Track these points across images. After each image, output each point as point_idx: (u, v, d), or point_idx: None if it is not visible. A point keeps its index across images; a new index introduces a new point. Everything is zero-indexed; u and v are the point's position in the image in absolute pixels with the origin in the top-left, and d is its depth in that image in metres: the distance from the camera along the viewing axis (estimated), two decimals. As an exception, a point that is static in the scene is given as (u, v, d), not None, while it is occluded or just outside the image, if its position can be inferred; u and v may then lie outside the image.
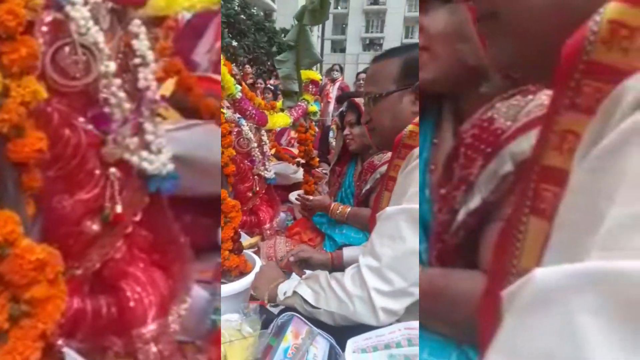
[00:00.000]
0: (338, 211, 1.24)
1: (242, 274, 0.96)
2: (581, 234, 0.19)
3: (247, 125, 1.41)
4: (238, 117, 1.33)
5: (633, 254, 0.16)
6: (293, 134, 2.33)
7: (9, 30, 0.45)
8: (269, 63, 8.49)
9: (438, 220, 0.54)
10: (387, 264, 0.59)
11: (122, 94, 0.55)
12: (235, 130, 1.41)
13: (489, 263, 0.32)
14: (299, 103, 1.67)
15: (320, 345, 0.56)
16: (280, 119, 1.46)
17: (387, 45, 22.86)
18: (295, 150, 2.00)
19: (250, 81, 4.30)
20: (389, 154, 0.83)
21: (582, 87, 0.24)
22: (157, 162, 0.58)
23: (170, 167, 0.59)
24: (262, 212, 1.50)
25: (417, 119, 0.72)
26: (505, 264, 0.28)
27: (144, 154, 0.57)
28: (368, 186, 1.25)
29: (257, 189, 1.48)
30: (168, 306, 0.61)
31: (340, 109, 1.67)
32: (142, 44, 0.57)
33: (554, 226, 0.22)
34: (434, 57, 0.57)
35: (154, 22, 0.66)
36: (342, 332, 0.58)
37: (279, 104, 1.81)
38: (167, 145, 0.60)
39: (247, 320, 0.63)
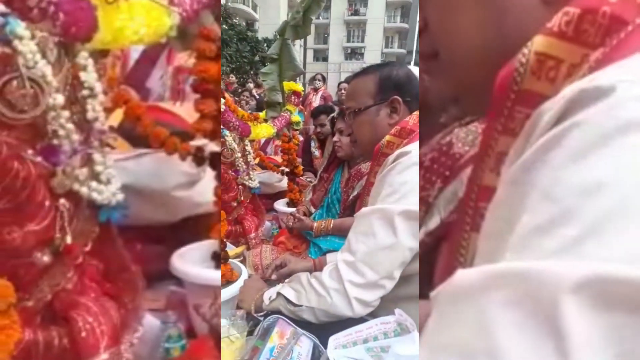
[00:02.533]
0: (322, 227, 1.25)
1: (229, 282, 0.98)
2: (504, 241, 0.20)
3: (231, 136, 1.44)
4: (221, 129, 1.36)
5: (539, 256, 0.18)
6: (278, 142, 2.36)
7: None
8: (252, 72, 8.51)
9: None
10: (360, 258, 0.64)
11: (70, 126, 0.55)
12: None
13: (438, 281, 0.33)
14: (282, 113, 1.71)
15: (304, 344, 0.59)
16: (263, 129, 1.50)
17: (369, 54, 23.34)
18: (279, 159, 2.04)
19: (232, 88, 4.31)
20: None
21: (514, 113, 0.27)
22: (107, 192, 0.59)
23: (120, 196, 0.60)
24: (247, 221, 1.52)
25: (394, 130, 0.78)
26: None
27: (94, 184, 0.58)
28: (355, 192, 1.29)
29: (242, 198, 1.50)
30: (120, 335, 0.62)
31: (332, 115, 1.71)
32: (90, 76, 0.57)
33: (481, 236, 0.24)
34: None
35: (102, 53, 0.67)
36: (324, 331, 0.62)
37: (262, 114, 1.85)
38: (116, 175, 0.60)
39: (235, 325, 0.66)
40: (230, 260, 1.04)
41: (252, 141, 1.73)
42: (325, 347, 0.57)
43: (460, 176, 0.49)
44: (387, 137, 0.79)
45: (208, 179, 0.93)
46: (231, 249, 1.31)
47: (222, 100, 1.07)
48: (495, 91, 0.27)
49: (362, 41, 24.35)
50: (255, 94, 4.48)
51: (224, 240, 1.03)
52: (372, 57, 22.03)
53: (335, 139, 1.43)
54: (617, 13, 0.24)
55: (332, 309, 0.64)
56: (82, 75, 0.57)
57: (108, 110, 0.71)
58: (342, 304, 0.63)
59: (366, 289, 0.63)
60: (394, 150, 0.74)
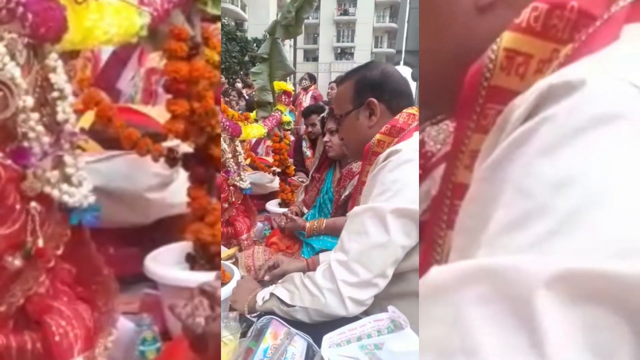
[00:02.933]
0: (314, 227, 1.25)
1: (221, 284, 0.97)
2: (477, 237, 0.20)
3: (221, 136, 1.42)
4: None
5: (512, 251, 0.18)
6: (269, 142, 2.35)
7: None
8: (241, 72, 8.45)
9: None
10: (353, 257, 0.64)
11: (40, 128, 0.54)
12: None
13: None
14: (273, 113, 1.71)
15: (298, 344, 0.59)
16: (254, 130, 1.49)
17: (358, 54, 23.44)
18: (270, 159, 2.03)
19: (223, 89, 4.28)
20: None
21: (486, 110, 0.27)
22: (78, 195, 0.57)
23: (92, 199, 0.59)
24: (238, 222, 1.51)
25: (384, 128, 0.79)
26: None
27: (65, 187, 0.57)
28: (347, 192, 1.29)
29: (233, 199, 1.49)
30: (94, 339, 0.61)
31: (322, 115, 1.71)
32: (59, 78, 0.56)
33: (455, 232, 0.24)
34: None
35: (71, 55, 0.66)
36: (318, 331, 0.62)
37: (252, 114, 1.84)
38: (87, 178, 0.60)
39: (228, 327, 0.65)
40: (222, 262, 1.03)
41: (242, 141, 1.71)
42: (319, 347, 0.57)
43: (432, 175, 0.48)
44: (378, 136, 0.79)
45: (181, 180, 0.91)
46: (223, 251, 1.29)
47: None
48: (465, 88, 0.27)
49: (352, 41, 24.44)
50: (245, 94, 4.45)
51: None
52: (362, 56, 22.12)
53: (325, 139, 1.43)
54: (584, 8, 0.24)
55: (326, 309, 0.64)
56: (52, 77, 0.56)
57: (79, 112, 0.70)
58: (335, 303, 0.63)
59: (359, 287, 0.63)
60: (385, 149, 0.74)
